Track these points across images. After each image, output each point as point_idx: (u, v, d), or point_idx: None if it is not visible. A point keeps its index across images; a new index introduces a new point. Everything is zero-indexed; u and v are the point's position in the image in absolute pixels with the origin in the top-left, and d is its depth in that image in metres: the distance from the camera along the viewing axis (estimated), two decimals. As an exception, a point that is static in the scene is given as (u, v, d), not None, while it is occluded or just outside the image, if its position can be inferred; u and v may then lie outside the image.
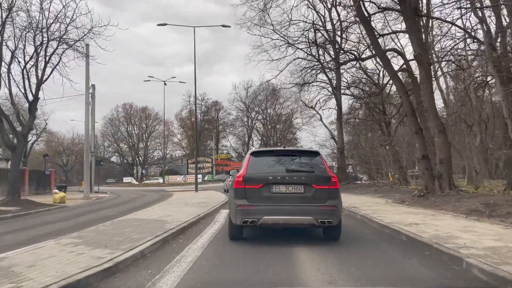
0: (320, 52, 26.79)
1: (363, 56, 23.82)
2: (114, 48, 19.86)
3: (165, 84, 55.85)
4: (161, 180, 70.66)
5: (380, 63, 26.84)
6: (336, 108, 28.07)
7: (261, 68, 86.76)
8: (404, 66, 23.82)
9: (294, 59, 26.61)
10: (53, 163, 70.06)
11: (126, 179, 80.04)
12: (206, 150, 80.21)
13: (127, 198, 24.69)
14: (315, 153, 7.34)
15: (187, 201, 16.25)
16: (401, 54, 23.14)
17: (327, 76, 27.59)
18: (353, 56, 22.73)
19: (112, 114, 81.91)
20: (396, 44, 26.44)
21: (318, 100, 31.07)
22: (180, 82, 52.73)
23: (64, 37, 18.42)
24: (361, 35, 24.63)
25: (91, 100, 35.88)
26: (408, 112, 13.43)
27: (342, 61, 23.35)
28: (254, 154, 7.19)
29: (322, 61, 25.82)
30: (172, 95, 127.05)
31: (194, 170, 71.85)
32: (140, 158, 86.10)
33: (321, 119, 29.69)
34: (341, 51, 23.63)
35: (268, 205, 6.42)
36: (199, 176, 70.29)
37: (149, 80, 52.71)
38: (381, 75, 31.10)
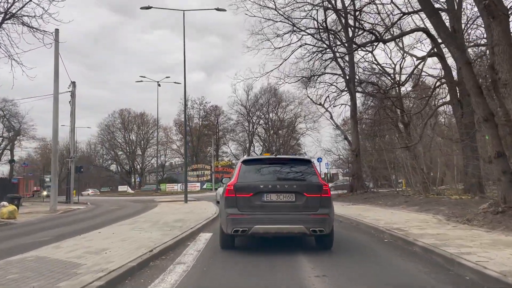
0: (331, 38, 22.70)
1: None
2: (70, 19, 15.52)
3: (159, 85, 52.08)
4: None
5: (404, 48, 22.86)
6: (350, 104, 23.93)
7: (262, 58, 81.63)
8: (434, 50, 19.98)
9: (301, 46, 22.59)
10: (46, 171, 66.06)
11: (121, 188, 75.99)
12: (206, 157, 75.92)
13: (100, 211, 20.55)
14: (307, 161, 7.27)
15: (161, 218, 12.09)
16: (430, 35, 19.17)
17: (339, 65, 23.51)
18: (373, 37, 18.63)
19: (109, 120, 78.14)
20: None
21: (327, 96, 27.02)
22: (175, 82, 48.16)
23: (12, 10, 14.52)
24: (378, 15, 20.64)
25: (71, 99, 32.05)
26: (472, 91, 9.29)
27: (359, 43, 19.18)
28: (246, 162, 7.07)
29: (333, 47, 21.66)
30: (173, 101, 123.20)
31: (192, 178, 68.25)
32: (138, 166, 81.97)
33: (331, 117, 25.62)
34: (359, 29, 19.47)
35: (259, 214, 6.29)
36: (197, 184, 66.50)
37: (141, 81, 49.00)
38: (397, 68, 27.13)
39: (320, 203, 6.38)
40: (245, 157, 7.99)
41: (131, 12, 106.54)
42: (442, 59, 19.22)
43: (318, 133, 61.83)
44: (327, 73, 24.78)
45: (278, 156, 7.75)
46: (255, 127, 69.67)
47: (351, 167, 23.56)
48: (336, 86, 27.28)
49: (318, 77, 26.10)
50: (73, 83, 31.56)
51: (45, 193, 61.46)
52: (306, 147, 62.59)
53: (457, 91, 18.30)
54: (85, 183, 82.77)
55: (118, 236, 7.84)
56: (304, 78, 25.51)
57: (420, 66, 21.94)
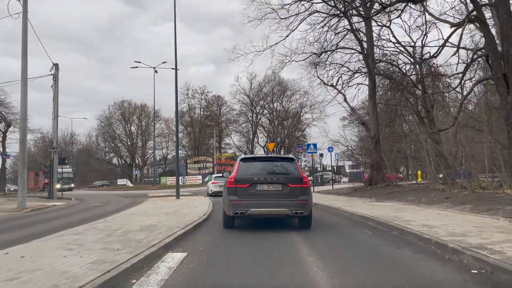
0: (346, 3, 19.22)
1: None
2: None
3: (155, 71, 48.69)
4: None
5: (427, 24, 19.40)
6: (368, 83, 20.57)
7: (265, 31, 73.27)
8: (474, 13, 16.57)
9: (310, 14, 19.19)
10: (41, 165, 63.05)
11: (121, 181, 73.09)
12: (209, 150, 72.52)
13: (76, 209, 17.47)
14: (291, 159, 8.91)
15: (127, 223, 8.92)
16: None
17: (356, 36, 20.11)
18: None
19: (110, 112, 74.98)
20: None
21: (340, 77, 23.63)
22: (172, 68, 44.65)
23: None
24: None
25: (54, 83, 28.92)
26: None
27: (387, 3, 15.66)
28: (243, 160, 8.70)
29: (348, 11, 18.16)
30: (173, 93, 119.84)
31: (193, 170, 65.07)
32: (139, 159, 78.79)
33: (345, 100, 22.21)
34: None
35: (254, 200, 7.82)
36: (199, 177, 63.22)
37: (136, 67, 45.77)
38: (419, 44, 23.64)
39: (301, 191, 7.87)
40: (243, 155, 9.44)
41: (142, 3, 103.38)
42: (484, 25, 15.80)
43: (325, 123, 58.65)
44: (341, 47, 21.35)
45: (268, 155, 10.06)
46: (258, 117, 66.29)
47: (370, 157, 20.17)
48: (348, 68, 23.91)
49: (329, 55, 22.74)
50: (56, 65, 28.47)
51: (58, 186, 56.40)
52: (312, 138, 59.16)
53: (502, 63, 15.02)
54: (84, 177, 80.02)
55: (21, 264, 4.65)
56: (314, 55, 22.17)
57: (453, 40, 18.55)
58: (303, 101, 61.20)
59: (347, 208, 12.07)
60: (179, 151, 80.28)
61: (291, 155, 11.91)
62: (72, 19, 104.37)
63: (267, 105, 65.52)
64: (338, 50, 21.93)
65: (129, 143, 77.57)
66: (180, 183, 60.92)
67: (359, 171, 61.62)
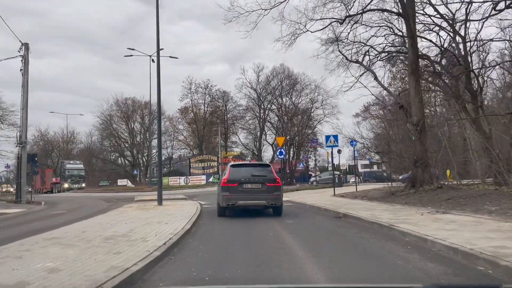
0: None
1: None
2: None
3: (152, 60, 44.20)
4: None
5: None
6: (408, 54, 15.77)
7: None
8: None
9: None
10: (41, 165, 58.98)
11: (121, 182, 68.89)
12: (214, 149, 67.78)
13: (20, 220, 13.09)
14: (268, 165, 12.26)
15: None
16: None
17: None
18: None
19: (111, 109, 70.89)
20: None
21: (367, 51, 18.90)
22: (170, 57, 40.40)
23: None
24: None
25: (23, 66, 24.58)
26: None
27: None
28: (233, 166, 11.69)
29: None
30: (180, 89, 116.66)
31: (197, 170, 60.49)
32: (144, 158, 74.35)
33: (375, 78, 17.38)
34: None
35: (241, 195, 10.69)
36: (203, 177, 58.62)
37: (131, 55, 41.43)
38: (460, 14, 18.80)
39: (275, 189, 10.90)
40: (232, 162, 13.47)
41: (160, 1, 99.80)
42: None
43: (337, 119, 54.08)
44: (370, 10, 16.58)
45: (251, 162, 16.31)
46: (266, 113, 61.53)
47: (413, 149, 15.31)
48: (371, 46, 19.15)
49: (352, 26, 17.98)
50: (25, 45, 24.11)
51: (66, 185, 49.94)
52: (324, 135, 54.40)
53: None
54: (86, 176, 76.14)
55: None
56: (335, 22, 17.50)
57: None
58: (314, 96, 56.62)
59: (405, 228, 7.37)
60: (184, 150, 75.67)
61: (267, 162, 14.70)
62: (87, 18, 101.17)
63: (275, 100, 60.84)
64: (367, 11, 17.09)
65: (130, 142, 73.52)
66: (183, 183, 56.53)
67: (373, 171, 56.56)
